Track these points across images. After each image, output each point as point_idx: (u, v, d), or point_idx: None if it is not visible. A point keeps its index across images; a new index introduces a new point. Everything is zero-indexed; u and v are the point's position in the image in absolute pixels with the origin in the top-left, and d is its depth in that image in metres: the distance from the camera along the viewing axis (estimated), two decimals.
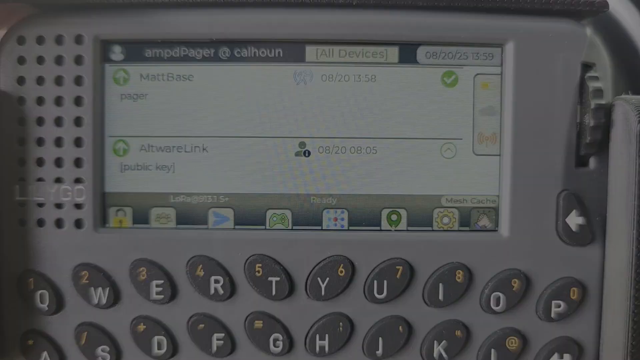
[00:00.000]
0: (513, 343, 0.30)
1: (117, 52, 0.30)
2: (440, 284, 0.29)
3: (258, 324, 0.29)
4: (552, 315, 0.30)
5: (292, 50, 0.29)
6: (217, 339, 0.29)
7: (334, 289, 0.29)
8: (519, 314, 0.30)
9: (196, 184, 0.30)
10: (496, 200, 0.30)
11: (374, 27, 0.29)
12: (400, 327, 0.30)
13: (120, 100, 0.30)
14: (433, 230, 0.30)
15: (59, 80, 0.29)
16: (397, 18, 0.29)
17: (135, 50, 0.30)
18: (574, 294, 0.30)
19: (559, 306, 0.30)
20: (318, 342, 0.30)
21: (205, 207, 0.30)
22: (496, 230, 0.30)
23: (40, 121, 0.29)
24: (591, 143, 0.29)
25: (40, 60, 0.29)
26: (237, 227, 0.30)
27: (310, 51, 0.30)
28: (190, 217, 0.30)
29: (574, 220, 0.29)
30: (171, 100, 0.30)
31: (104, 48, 0.29)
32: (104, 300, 0.29)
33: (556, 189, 0.29)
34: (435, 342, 0.30)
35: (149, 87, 0.30)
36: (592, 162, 0.30)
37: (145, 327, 0.29)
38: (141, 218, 0.30)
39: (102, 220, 0.30)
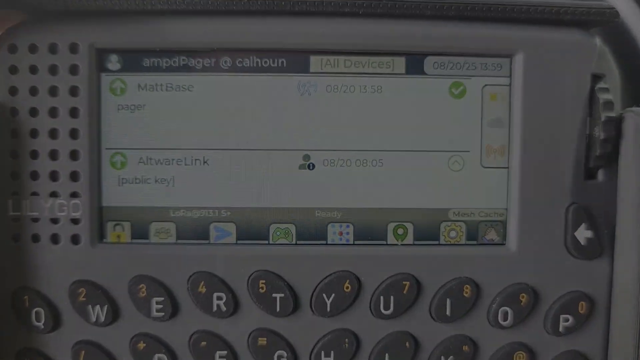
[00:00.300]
0: (521, 358, 0.29)
1: (113, 62, 0.29)
2: (448, 299, 0.29)
3: (262, 341, 0.29)
4: (560, 329, 0.29)
5: (296, 60, 0.29)
6: (220, 357, 0.29)
7: (340, 304, 0.29)
8: (527, 329, 0.29)
9: (197, 198, 0.29)
10: (504, 214, 0.29)
11: (380, 37, 0.28)
12: (407, 343, 0.29)
13: (117, 111, 0.29)
14: (440, 244, 0.29)
15: (53, 91, 0.28)
16: (404, 28, 0.28)
17: (133, 60, 0.28)
18: (582, 307, 0.29)
19: (567, 320, 0.29)
20: (323, 359, 0.29)
21: (207, 222, 0.29)
22: (504, 244, 0.29)
23: (34, 133, 0.28)
24: (601, 156, 0.28)
25: (33, 69, 0.28)
26: (239, 242, 0.29)
27: (315, 61, 0.29)
28: (191, 231, 0.29)
29: (583, 233, 0.29)
30: (170, 112, 0.29)
31: (100, 57, 0.28)
32: (102, 318, 0.28)
33: (565, 202, 0.29)
34: (442, 357, 0.29)
35: (147, 97, 0.29)
36: (601, 175, 0.29)
37: (145, 345, 0.29)
38: (140, 233, 0.29)
39: (99, 235, 0.29)
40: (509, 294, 0.29)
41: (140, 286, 0.28)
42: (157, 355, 0.29)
